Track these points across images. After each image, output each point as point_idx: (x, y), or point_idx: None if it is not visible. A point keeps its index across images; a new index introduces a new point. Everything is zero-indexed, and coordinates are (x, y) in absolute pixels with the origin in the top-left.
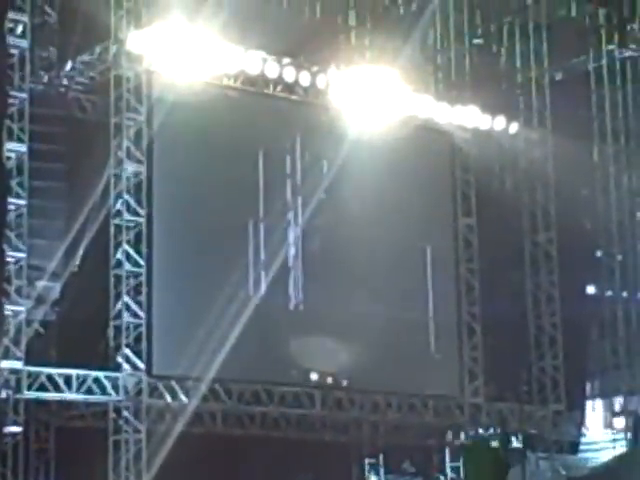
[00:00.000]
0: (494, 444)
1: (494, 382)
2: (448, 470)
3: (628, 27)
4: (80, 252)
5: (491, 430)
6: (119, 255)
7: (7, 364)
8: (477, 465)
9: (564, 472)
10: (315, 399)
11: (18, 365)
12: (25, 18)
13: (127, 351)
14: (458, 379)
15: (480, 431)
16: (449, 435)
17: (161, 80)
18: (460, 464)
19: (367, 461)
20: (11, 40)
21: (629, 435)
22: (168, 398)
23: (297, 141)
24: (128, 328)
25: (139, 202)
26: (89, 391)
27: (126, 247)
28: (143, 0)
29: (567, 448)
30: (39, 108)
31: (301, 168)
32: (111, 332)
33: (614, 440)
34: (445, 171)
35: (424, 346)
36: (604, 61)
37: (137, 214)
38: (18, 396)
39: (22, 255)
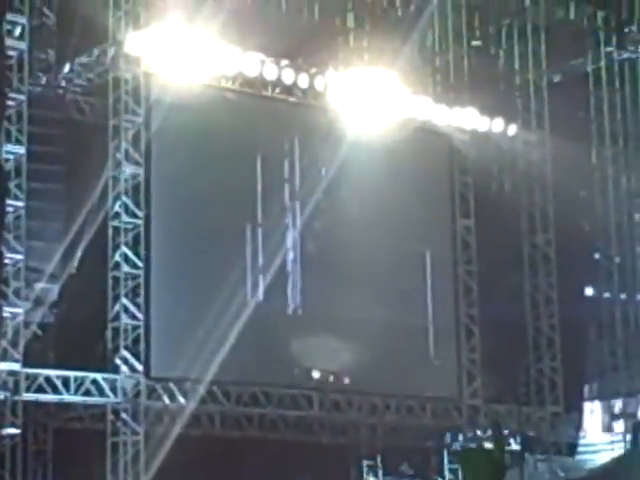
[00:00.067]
0: (489, 446)
1: (492, 384)
2: (446, 472)
3: (626, 29)
4: (78, 254)
5: (488, 432)
6: (117, 257)
7: (5, 366)
8: (473, 470)
9: (562, 474)
10: (313, 401)
11: (16, 367)
12: (23, 20)
13: (125, 353)
14: (456, 381)
15: (478, 433)
16: (447, 437)
17: (159, 82)
18: (458, 467)
19: (365, 463)
20: (9, 42)
21: (628, 437)
22: (166, 400)
23: (295, 143)
24: (126, 330)
25: (137, 204)
26: (87, 393)
27: (124, 249)
28: (141, 2)
29: (565, 450)
30: (37, 110)
31: (299, 171)
32: (109, 334)
33: (612, 442)
34: (443, 173)
35: (423, 349)
36: (602, 63)
37: (135, 216)
38: (16, 398)
39: (20, 257)
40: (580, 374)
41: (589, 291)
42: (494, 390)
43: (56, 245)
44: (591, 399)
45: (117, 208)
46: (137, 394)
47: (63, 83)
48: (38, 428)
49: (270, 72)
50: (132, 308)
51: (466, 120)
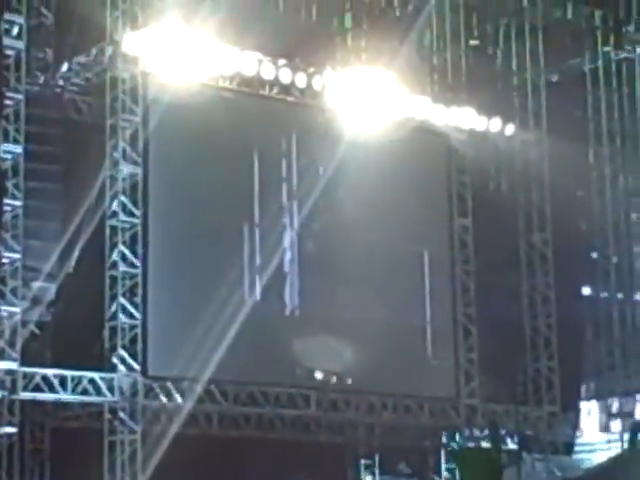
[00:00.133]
0: (486, 445)
1: (490, 383)
2: (444, 472)
3: (624, 29)
4: (76, 253)
5: (486, 431)
6: (115, 256)
7: (2, 365)
8: (470, 469)
9: (559, 473)
10: (311, 400)
11: (13, 366)
12: (21, 19)
13: (122, 352)
14: (454, 380)
15: (476, 432)
16: (445, 437)
17: (157, 81)
18: (455, 466)
19: (363, 462)
20: (7, 41)
21: (625, 437)
22: (164, 399)
23: (293, 143)
24: (123, 329)
25: (135, 203)
26: (84, 392)
27: (122, 248)
28: (139, 2)
29: (562, 449)
30: (35, 109)
31: (297, 171)
32: (107, 333)
33: (609, 442)
34: (441, 172)
35: (420, 348)
36: (600, 63)
37: (133, 215)
38: (13, 397)
39: (17, 256)
40: (577, 373)
41: (586, 291)
42: (491, 389)
43: (53, 244)
44: (588, 398)
45: (114, 207)
46: (134, 393)
47: (61, 82)
48: (35, 427)
49: (268, 72)
50: (129, 307)
51: (464, 120)
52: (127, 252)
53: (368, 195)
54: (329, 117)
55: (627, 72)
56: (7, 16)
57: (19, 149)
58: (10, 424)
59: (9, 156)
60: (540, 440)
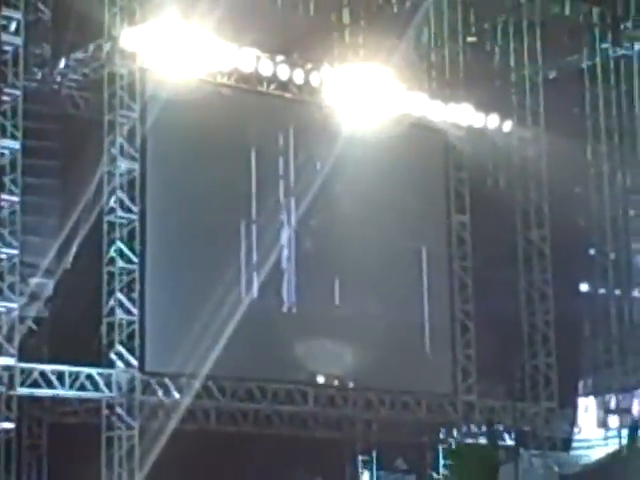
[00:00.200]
0: (483, 441)
1: (487, 379)
2: (441, 467)
3: (622, 26)
4: (73, 249)
5: (483, 427)
6: (112, 252)
7: (0, 360)
8: (467, 466)
9: (557, 469)
10: (308, 396)
11: (11, 362)
12: (19, 15)
13: (120, 348)
14: (451, 377)
15: (473, 428)
16: (442, 433)
17: (155, 77)
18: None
19: (360, 458)
20: (5, 37)
21: (622, 433)
22: (161, 395)
23: (290, 139)
24: (121, 325)
25: (132, 199)
26: (82, 388)
27: (119, 244)
28: None
29: (560, 445)
30: (32, 105)
31: (294, 167)
32: (104, 329)
33: (606, 438)
34: (439, 169)
35: (418, 345)
36: (598, 59)
37: (130, 211)
38: (11, 392)
39: (15, 252)
40: (575, 370)
41: (584, 287)
42: (489, 386)
43: (51, 240)
44: (586, 395)
45: (112, 203)
46: (132, 389)
47: (58, 78)
48: (33, 422)
49: (265, 68)
50: (127, 303)
51: (461, 116)
52: (124, 248)
53: (366, 191)
54: (327, 113)
55: (625, 69)
56: (5, 12)
57: (17, 145)
58: (7, 420)
59: (7, 152)
60: (538, 436)
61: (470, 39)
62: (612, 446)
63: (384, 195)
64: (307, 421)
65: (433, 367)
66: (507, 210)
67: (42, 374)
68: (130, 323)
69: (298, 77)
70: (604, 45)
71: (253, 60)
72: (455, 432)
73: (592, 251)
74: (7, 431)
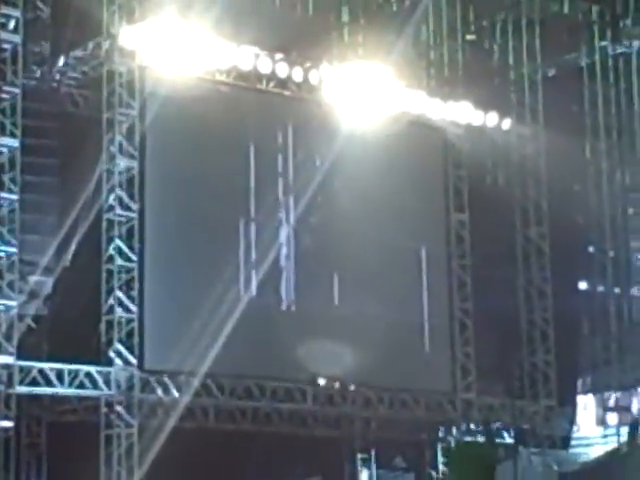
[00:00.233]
0: (480, 439)
1: (486, 377)
2: (440, 466)
3: (621, 23)
4: (72, 247)
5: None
6: (111, 250)
7: None
8: (463, 465)
9: (556, 467)
10: (307, 394)
11: (10, 360)
12: (18, 13)
13: (119, 346)
14: (450, 375)
15: (472, 426)
16: (441, 431)
17: (154, 75)
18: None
19: (359, 456)
20: (4, 35)
21: (621, 431)
22: (160, 393)
23: (289, 137)
24: (120, 323)
25: (131, 197)
26: (81, 386)
27: (118, 242)
28: None
29: (559, 443)
30: (32, 103)
31: (293, 165)
32: (103, 327)
33: (606, 436)
34: (438, 167)
35: (418, 343)
36: (597, 57)
37: (129, 209)
38: (10, 391)
39: (14, 250)
40: (574, 368)
41: (583, 285)
42: (488, 384)
43: (50, 238)
44: (584, 392)
45: (111, 201)
46: (131, 387)
47: (57, 76)
48: (32, 421)
49: (264, 66)
50: (126, 301)
51: (460, 114)
52: (123, 246)
53: (364, 189)
54: (326, 111)
55: (624, 66)
56: (4, 10)
57: (16, 143)
58: (6, 418)
59: (6, 150)
60: (537, 434)
61: (469, 37)
62: (611, 444)
63: (383, 193)
64: (306, 419)
65: (432, 365)
66: (506, 208)
67: (41, 372)
68: (129, 321)
69: (297, 75)
70: (603, 43)
71: (252, 58)
72: (454, 430)
73: (591, 249)
74: (6, 430)
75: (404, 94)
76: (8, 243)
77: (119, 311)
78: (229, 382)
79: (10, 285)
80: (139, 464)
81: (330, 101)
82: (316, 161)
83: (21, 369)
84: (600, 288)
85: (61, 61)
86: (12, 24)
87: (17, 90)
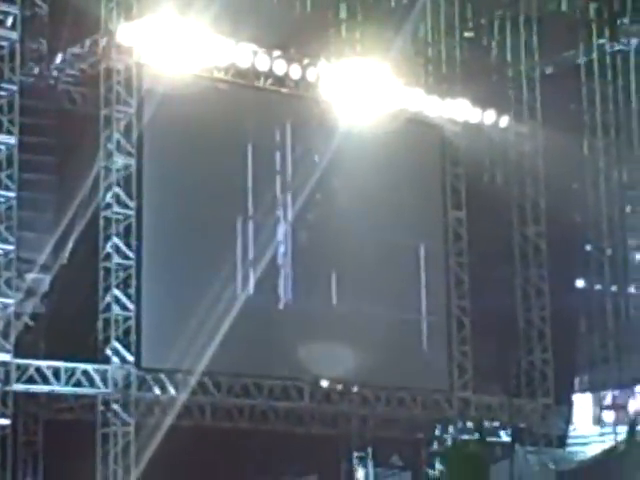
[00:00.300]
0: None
1: (483, 376)
2: (437, 464)
3: (618, 21)
4: (70, 245)
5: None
6: (108, 248)
7: None
8: (456, 469)
9: (552, 466)
10: (304, 392)
11: (7, 358)
12: (15, 10)
13: (116, 344)
14: (447, 373)
15: (468, 425)
16: (438, 429)
17: (151, 72)
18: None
19: (356, 454)
20: (1, 32)
21: (618, 429)
22: (157, 391)
23: (287, 134)
24: (117, 321)
25: (129, 195)
26: (78, 384)
27: (116, 240)
28: None
29: (556, 442)
30: (29, 100)
31: (291, 163)
32: (100, 325)
33: (602, 434)
34: (435, 164)
35: (415, 341)
36: (595, 55)
37: (127, 207)
38: (7, 388)
39: (11, 247)
40: (571, 366)
41: (580, 283)
42: (485, 382)
43: (47, 236)
44: (582, 391)
45: (109, 199)
46: (128, 385)
47: (55, 73)
48: (29, 419)
49: (262, 63)
50: (123, 299)
51: (458, 111)
52: (121, 244)
53: (362, 187)
54: (323, 109)
55: (622, 64)
56: (1, 7)
57: (13, 140)
58: (3, 416)
59: (3, 147)
60: (533, 433)
61: (467, 34)
62: (608, 442)
63: (380, 190)
64: (303, 417)
65: (429, 363)
66: (503, 206)
67: (38, 370)
68: (126, 319)
69: (295, 72)
70: (601, 41)
71: (250, 55)
72: (451, 428)
73: (588, 247)
74: (3, 427)
75: (402, 91)
76: (5, 241)
77: (116, 309)
78: (226, 380)
79: (7, 283)
80: (136, 462)
81: (328, 98)
82: (314, 158)
83: (18, 367)
84: (597, 286)
85: (59, 58)
86: (10, 21)
87: (14, 87)
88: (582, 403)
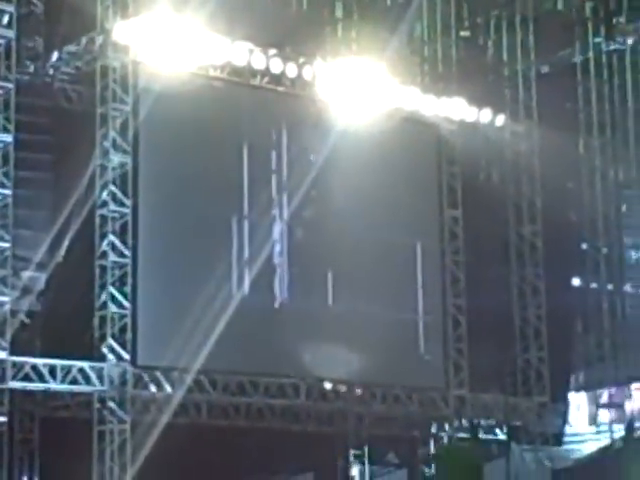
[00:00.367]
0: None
1: (479, 374)
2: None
3: (614, 20)
4: (66, 243)
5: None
6: (104, 246)
7: None
8: (448, 470)
9: (549, 464)
10: (300, 390)
11: (3, 355)
12: (11, 8)
13: (112, 341)
14: (443, 371)
15: (464, 422)
16: (434, 427)
17: (147, 71)
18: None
19: (352, 452)
20: None
21: (614, 428)
22: (153, 389)
23: (283, 133)
24: (113, 319)
25: (125, 193)
26: (74, 381)
27: (111, 238)
28: None
29: (552, 440)
30: (25, 98)
31: (287, 162)
32: (96, 322)
33: (598, 432)
34: (431, 163)
35: (412, 340)
36: (591, 54)
37: (123, 205)
38: (3, 386)
39: (7, 245)
40: (567, 364)
41: (576, 282)
42: (481, 380)
43: (43, 234)
44: (577, 389)
45: (105, 197)
46: (124, 383)
47: (51, 71)
48: (25, 416)
49: (258, 61)
50: (119, 297)
51: (454, 110)
52: (117, 242)
53: (358, 186)
54: (319, 107)
55: (618, 63)
56: None
57: (9, 138)
58: None
59: None
60: (529, 431)
61: (463, 33)
62: (604, 440)
63: (376, 189)
64: (299, 415)
65: (425, 362)
66: (499, 205)
67: (34, 368)
68: (122, 317)
69: (291, 71)
70: (597, 39)
71: (246, 53)
72: (447, 426)
73: (584, 246)
74: None
75: (398, 90)
76: (1, 239)
77: (112, 307)
78: (222, 378)
79: (3, 280)
80: (132, 460)
81: (324, 97)
82: (310, 157)
83: (14, 364)
84: (593, 285)
85: (54, 56)
86: (6, 19)
87: (10, 85)
88: (578, 401)
